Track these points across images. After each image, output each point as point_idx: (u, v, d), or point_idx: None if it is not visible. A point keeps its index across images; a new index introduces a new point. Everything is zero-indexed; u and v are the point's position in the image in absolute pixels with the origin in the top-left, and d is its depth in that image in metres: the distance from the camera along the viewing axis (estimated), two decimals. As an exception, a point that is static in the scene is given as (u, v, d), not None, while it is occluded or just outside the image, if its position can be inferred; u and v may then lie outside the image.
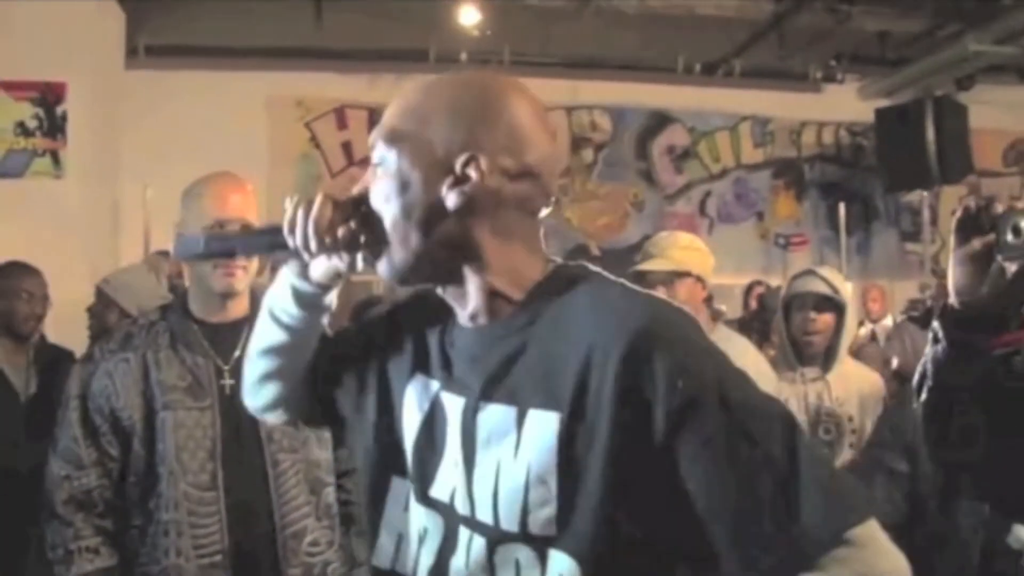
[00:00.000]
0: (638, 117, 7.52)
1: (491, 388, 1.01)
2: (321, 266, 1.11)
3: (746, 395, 0.94)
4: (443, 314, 1.09)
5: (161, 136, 5.90)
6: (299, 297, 1.15)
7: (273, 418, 1.30)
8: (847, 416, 2.87)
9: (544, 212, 1.06)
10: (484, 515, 1.00)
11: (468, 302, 1.04)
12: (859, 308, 6.33)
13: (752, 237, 7.78)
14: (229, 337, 1.90)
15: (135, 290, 3.20)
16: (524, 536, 0.96)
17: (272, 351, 1.21)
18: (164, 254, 4.29)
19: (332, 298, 1.18)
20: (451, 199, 0.98)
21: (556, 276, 1.04)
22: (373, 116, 6.86)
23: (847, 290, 2.94)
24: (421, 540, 1.07)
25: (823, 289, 2.88)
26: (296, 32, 6.18)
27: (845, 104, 7.60)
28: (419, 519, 1.08)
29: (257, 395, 1.27)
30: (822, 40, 6.64)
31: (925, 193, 7.36)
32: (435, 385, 1.08)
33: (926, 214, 7.52)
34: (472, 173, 0.98)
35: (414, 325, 1.14)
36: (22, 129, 4.93)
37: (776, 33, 6.63)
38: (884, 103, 7.25)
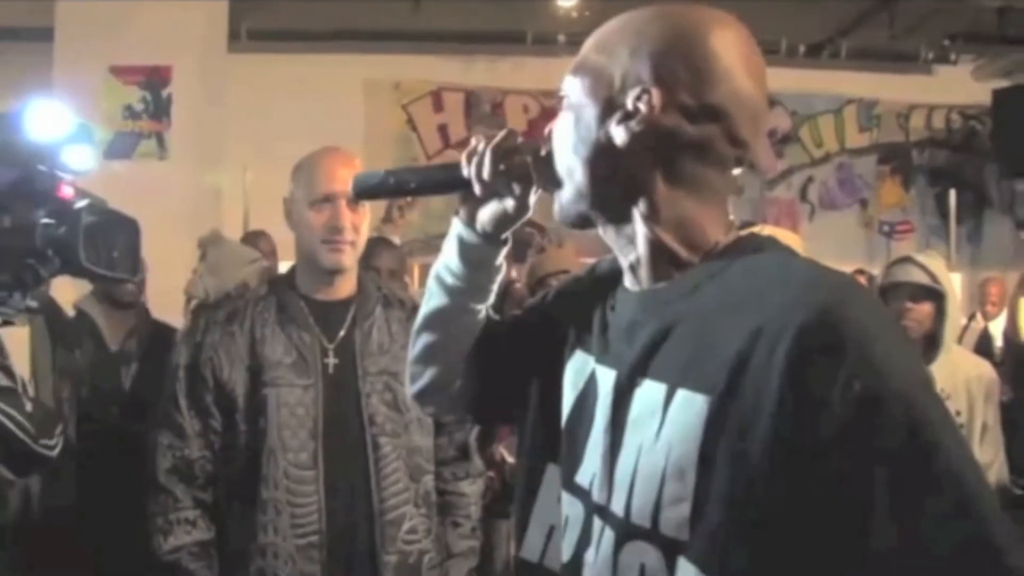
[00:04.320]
0: (738, 100, 7.34)
1: (645, 361, 0.89)
2: (490, 210, 1.07)
3: (933, 403, 0.78)
4: (611, 286, 1.01)
5: (261, 118, 6.00)
6: (464, 250, 1.10)
7: (435, 409, 1.26)
8: (955, 410, 2.74)
9: (738, 169, 0.94)
10: (618, 505, 0.89)
11: (632, 249, 0.95)
12: (973, 301, 6.05)
13: (855, 224, 7.57)
14: (335, 315, 1.89)
15: (225, 268, 3.25)
16: (654, 535, 0.84)
17: (433, 320, 1.16)
18: (259, 233, 4.36)
19: (499, 261, 1.12)
20: (619, 135, 0.91)
21: (739, 243, 0.92)
22: (469, 99, 6.88)
23: (947, 277, 2.81)
24: (563, 530, 0.98)
25: (920, 278, 2.77)
26: (394, 15, 6.19)
27: (958, 85, 7.28)
28: (564, 507, 0.99)
29: (417, 378, 1.20)
30: (935, 18, 6.34)
31: (1045, 179, 7.00)
32: (592, 360, 1.00)
33: (1046, 202, 7.15)
34: (642, 108, 0.89)
35: (581, 301, 1.06)
36: (130, 112, 5.07)
37: (886, 11, 6.35)
38: (1001, 84, 6.90)
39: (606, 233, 0.98)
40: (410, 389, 1.23)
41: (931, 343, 2.77)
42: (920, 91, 7.46)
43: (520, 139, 1.02)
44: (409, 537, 1.86)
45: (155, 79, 5.06)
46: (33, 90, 1.53)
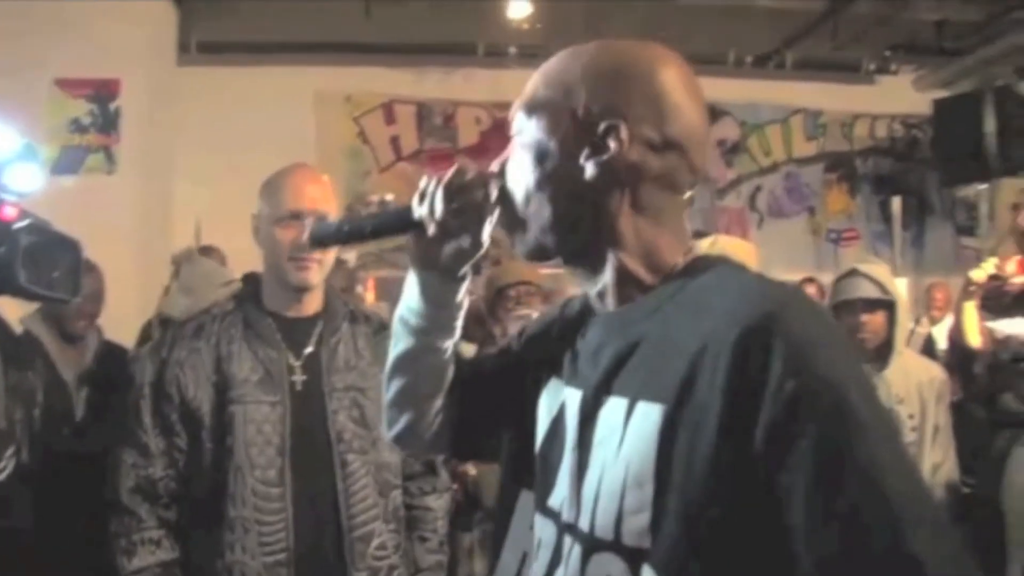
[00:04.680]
0: (687, 110, 7.43)
1: (610, 379, 0.93)
2: (446, 248, 1.07)
3: (871, 412, 0.79)
4: (583, 320, 1.04)
5: (211, 132, 5.93)
6: (425, 289, 1.10)
7: (413, 452, 1.27)
8: (908, 414, 2.81)
9: (690, 192, 0.99)
10: (584, 521, 0.91)
11: (600, 278, 0.98)
12: (918, 305, 6.19)
13: (803, 232, 7.69)
14: (302, 332, 1.88)
15: (200, 288, 3.17)
16: (618, 546, 0.86)
17: (401, 363, 1.16)
18: (210, 248, 4.30)
19: (460, 297, 1.12)
20: (589, 170, 0.94)
21: (696, 263, 0.96)
22: (421, 111, 6.86)
23: (893, 283, 2.87)
24: (536, 553, 1.00)
25: (870, 292, 2.83)
26: (345, 27, 6.17)
27: (899, 96, 7.45)
28: (536, 530, 1.01)
29: (393, 423, 1.21)
30: (877, 30, 6.50)
31: (983, 186, 7.18)
32: (563, 385, 1.02)
33: (983, 208, 7.33)
34: (611, 143, 0.93)
35: (554, 336, 1.09)
36: (76, 126, 4.98)
37: (830, 24, 6.50)
38: (940, 94, 7.08)
39: (576, 270, 1.01)
40: (387, 434, 1.24)
41: (883, 351, 2.84)
42: (863, 101, 7.62)
43: (470, 174, 1.04)
44: (379, 553, 1.85)
45: (103, 92, 4.98)
46: (-24, 106, 1.51)
